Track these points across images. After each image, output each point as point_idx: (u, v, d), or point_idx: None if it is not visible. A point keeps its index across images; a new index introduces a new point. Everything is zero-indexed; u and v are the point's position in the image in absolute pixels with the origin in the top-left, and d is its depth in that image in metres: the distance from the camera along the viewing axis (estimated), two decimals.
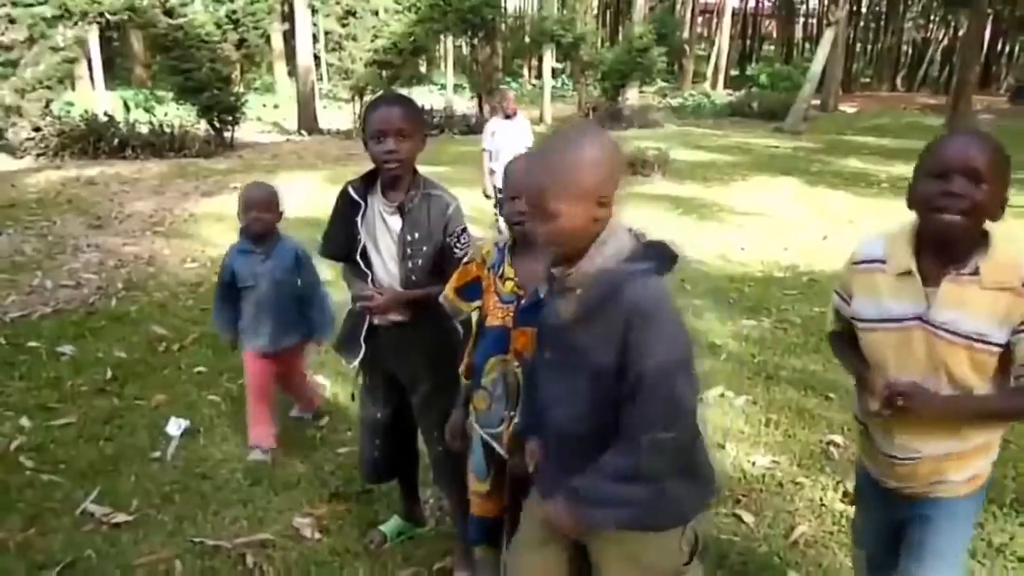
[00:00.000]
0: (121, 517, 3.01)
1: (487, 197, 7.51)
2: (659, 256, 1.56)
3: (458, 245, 2.39)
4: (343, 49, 17.98)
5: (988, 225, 1.64)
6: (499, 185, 6.79)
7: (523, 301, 2.02)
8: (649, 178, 11.53)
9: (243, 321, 3.46)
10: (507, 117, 7.43)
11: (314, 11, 19.21)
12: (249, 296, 3.41)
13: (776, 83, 29.17)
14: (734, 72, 40.41)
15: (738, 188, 11.00)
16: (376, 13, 17.70)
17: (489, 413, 2.11)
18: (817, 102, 26.99)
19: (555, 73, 32.16)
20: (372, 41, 17.59)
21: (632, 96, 24.07)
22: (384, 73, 17.99)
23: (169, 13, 14.64)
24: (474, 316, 2.25)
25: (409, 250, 2.38)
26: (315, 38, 20.29)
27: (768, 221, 8.78)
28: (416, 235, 2.37)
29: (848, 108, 28.24)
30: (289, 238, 3.48)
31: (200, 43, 15.12)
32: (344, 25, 17.80)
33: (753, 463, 3.43)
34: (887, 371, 1.72)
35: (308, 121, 19.39)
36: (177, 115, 16.20)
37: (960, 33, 39.59)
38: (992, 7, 34.88)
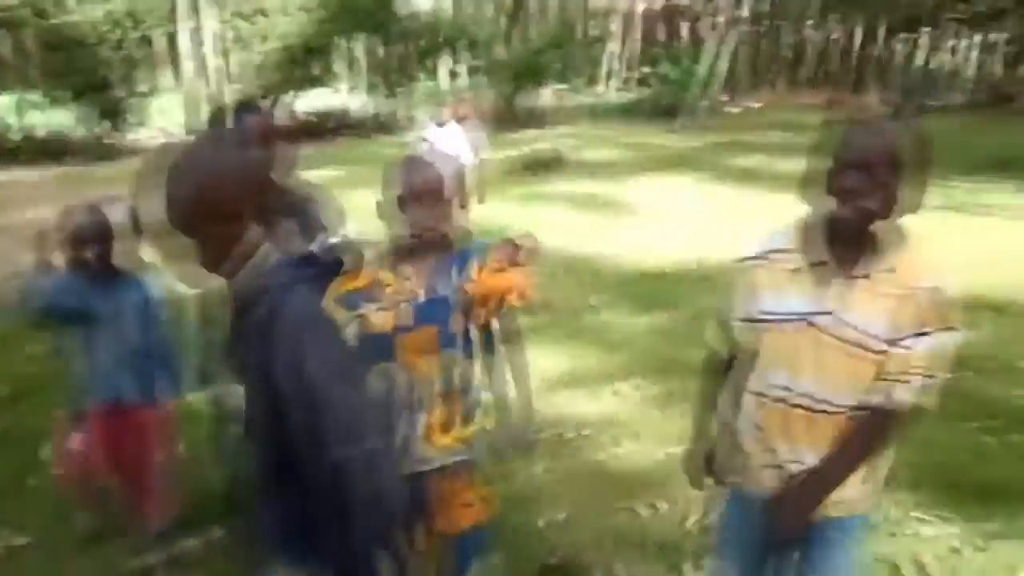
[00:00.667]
0: (21, 540, 2.91)
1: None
2: (317, 265, 1.48)
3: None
4: (250, 49, 17.45)
5: (906, 224, 1.63)
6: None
7: (404, 305, 2.03)
8: (557, 176, 11.69)
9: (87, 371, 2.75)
10: (440, 125, 7.25)
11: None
12: (88, 340, 2.72)
13: (672, 83, 29.81)
14: (644, 70, 41.15)
15: (643, 185, 11.26)
16: (277, 14, 17.24)
17: None
18: (723, 99, 27.92)
19: (459, 74, 32.12)
20: (264, 43, 17.13)
21: (534, 96, 24.28)
22: (292, 72, 17.55)
23: (40, 14, 13.93)
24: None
25: None
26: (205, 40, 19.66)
27: (666, 217, 9.01)
28: None
29: (741, 107, 29.19)
30: (140, 273, 2.79)
31: (84, 44, 14.42)
32: (234, 27, 17.26)
33: (665, 454, 3.51)
34: (793, 372, 1.66)
35: (201, 124, 18.76)
36: (64, 119, 15.41)
37: (840, 35, 41.75)
38: (884, 10, 36.85)
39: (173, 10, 22.58)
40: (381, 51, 20.29)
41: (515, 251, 4.15)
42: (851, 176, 1.55)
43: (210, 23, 18.35)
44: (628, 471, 3.42)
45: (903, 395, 1.64)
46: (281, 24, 17.20)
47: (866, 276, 1.59)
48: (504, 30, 35.76)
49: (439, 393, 2.11)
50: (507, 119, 21.01)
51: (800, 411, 1.67)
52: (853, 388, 1.64)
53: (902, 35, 43.46)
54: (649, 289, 6.17)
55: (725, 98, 27.66)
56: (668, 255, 7.23)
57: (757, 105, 29.30)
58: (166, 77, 27.08)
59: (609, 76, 36.83)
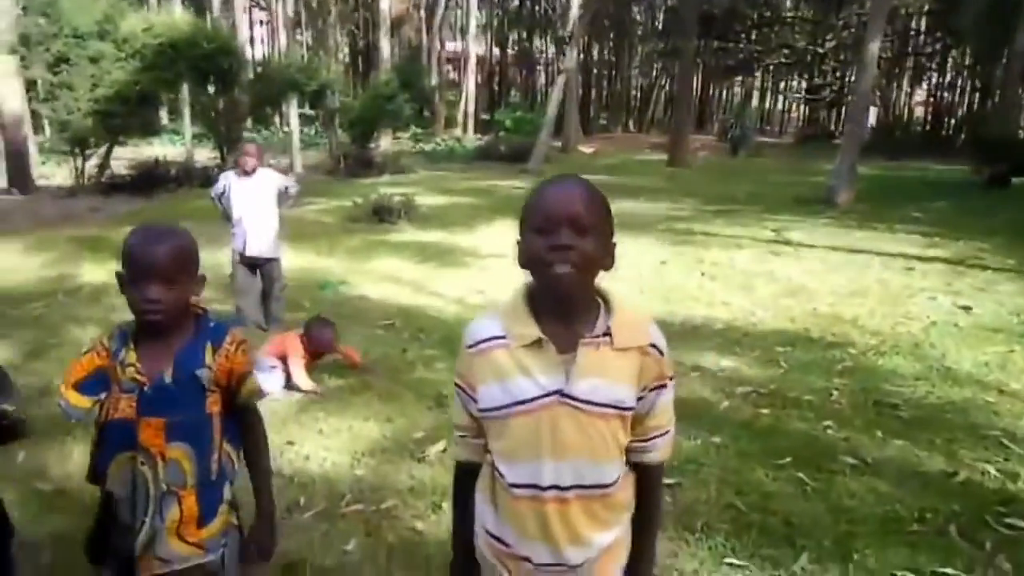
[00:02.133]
0: None
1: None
2: None
3: None
4: (57, 99, 16.29)
5: (606, 286, 1.56)
6: (240, 249, 6.27)
7: (147, 388, 1.83)
8: (396, 225, 11.54)
9: None
10: (246, 173, 6.28)
11: (23, 58, 17.31)
12: None
13: (521, 127, 30.68)
14: (485, 117, 42.10)
15: (481, 231, 11.28)
16: (95, 60, 16.26)
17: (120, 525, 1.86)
18: (559, 144, 28.89)
19: (306, 120, 31.62)
20: (92, 91, 16.12)
21: (384, 143, 24.21)
22: (108, 124, 16.52)
23: None
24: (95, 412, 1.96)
25: None
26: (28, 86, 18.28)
27: (508, 263, 9.03)
28: None
29: (586, 149, 30.42)
30: None
31: None
32: (56, 73, 16.17)
33: None
34: (541, 459, 1.50)
35: (20, 178, 17.34)
36: None
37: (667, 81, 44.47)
38: (701, 59, 39.59)
39: None
40: (217, 101, 19.49)
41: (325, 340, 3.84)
42: (553, 236, 1.44)
43: (28, 69, 17.06)
44: (446, 540, 3.21)
45: (663, 451, 1.63)
46: (109, 71, 16.16)
47: (587, 344, 1.48)
48: (347, 76, 35.67)
49: (189, 484, 1.88)
50: (357, 165, 20.76)
51: (552, 501, 1.52)
52: (606, 460, 1.53)
53: (737, 78, 47.17)
54: None
55: (558, 143, 28.60)
56: (504, 300, 7.15)
57: (590, 150, 30.53)
58: None
59: (466, 120, 37.49)
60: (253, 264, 6.31)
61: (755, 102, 48.32)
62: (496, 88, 54.25)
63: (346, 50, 47.03)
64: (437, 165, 24.05)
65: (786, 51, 37.79)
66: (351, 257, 9.36)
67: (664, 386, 1.58)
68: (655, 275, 8.26)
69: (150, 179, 17.28)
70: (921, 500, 3.47)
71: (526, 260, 1.49)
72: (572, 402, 1.47)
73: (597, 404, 1.48)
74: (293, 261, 8.93)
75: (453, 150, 28.54)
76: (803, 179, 18.19)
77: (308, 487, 3.62)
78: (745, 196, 15.20)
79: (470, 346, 1.57)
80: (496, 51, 54.47)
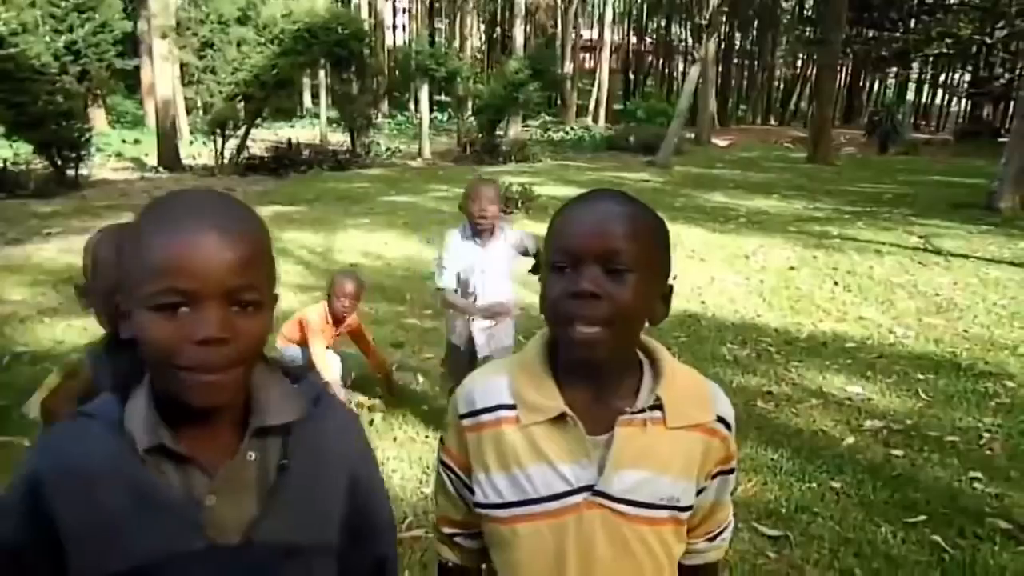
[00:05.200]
0: None
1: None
2: None
3: None
4: (201, 83, 17.10)
5: (651, 340, 1.15)
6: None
7: None
8: (511, 215, 11.28)
9: None
10: (476, 234, 3.62)
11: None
12: None
13: (653, 117, 29.85)
14: (617, 106, 41.36)
15: None
16: (237, 45, 16.95)
17: None
18: (692, 135, 27.86)
19: (438, 107, 32.05)
20: (233, 74, 16.81)
21: (513, 130, 24.11)
22: (246, 107, 17.21)
23: None
24: None
25: None
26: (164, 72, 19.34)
27: None
28: None
29: (721, 141, 29.20)
30: None
31: (35, 75, 14.01)
32: (202, 57, 16.95)
33: None
34: None
35: (169, 157, 18.41)
36: (10, 152, 14.94)
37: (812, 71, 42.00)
38: (851, 48, 37.20)
39: (134, 41, 22.43)
40: (351, 85, 19.95)
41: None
42: (558, 284, 1.03)
43: (177, 54, 18.04)
44: None
45: (722, 549, 1.24)
46: (249, 55, 16.83)
47: (629, 422, 1.07)
48: (480, 64, 35.91)
49: None
50: (483, 152, 20.79)
51: None
52: (651, 571, 1.12)
53: (891, 70, 44.16)
54: None
55: (691, 135, 27.56)
56: None
57: (725, 142, 29.29)
58: (149, 108, 27.01)
59: (597, 108, 37.01)
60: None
61: (910, 95, 45.08)
62: (631, 77, 53.27)
63: (481, 37, 47.40)
64: (564, 154, 23.69)
65: (948, 41, 34.84)
66: None
67: (731, 470, 1.17)
68: (781, 281, 7.57)
69: (284, 160, 17.86)
70: None
71: (544, 308, 1.08)
72: (608, 502, 1.07)
73: (643, 505, 1.07)
74: (401, 250, 8.86)
75: (581, 139, 28.10)
76: (960, 180, 16.55)
77: None
78: (891, 197, 13.95)
79: (464, 415, 1.15)
80: (633, 39, 53.46)
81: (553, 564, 1.08)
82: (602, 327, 1.01)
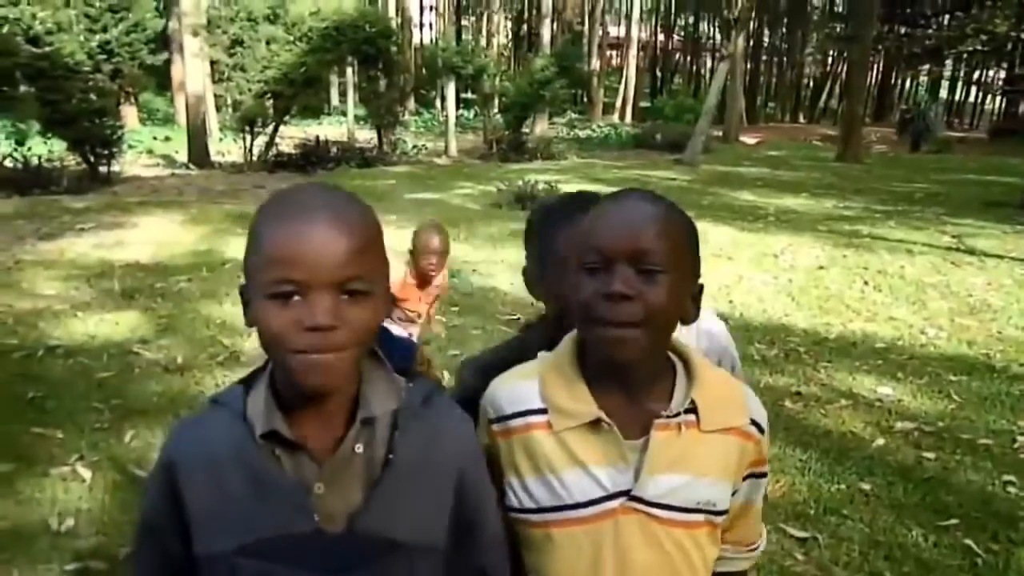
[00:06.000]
0: None
1: None
2: None
3: None
4: (231, 80, 17.26)
5: (681, 342, 1.14)
6: None
7: None
8: None
9: None
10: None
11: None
12: None
13: (680, 115, 29.69)
14: (644, 104, 41.15)
15: None
16: (267, 43, 17.10)
17: None
18: (720, 133, 27.64)
19: (465, 104, 32.10)
20: (262, 72, 16.96)
21: (539, 128, 24.06)
22: (275, 104, 17.34)
23: (34, 41, 13.73)
24: None
25: None
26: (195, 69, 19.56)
27: None
28: None
29: (749, 139, 28.94)
30: None
31: (69, 73, 14.23)
32: (231, 55, 17.12)
33: None
34: None
35: (199, 154, 18.59)
36: (45, 149, 15.20)
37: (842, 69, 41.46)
38: (882, 45, 36.66)
39: (164, 39, 22.70)
40: (378, 83, 20.03)
41: None
42: (590, 284, 1.03)
43: (208, 51, 18.23)
44: None
45: (754, 557, 1.25)
46: (278, 53, 16.98)
47: (664, 427, 1.06)
48: (507, 61, 35.91)
49: None
50: (509, 149, 20.76)
51: None
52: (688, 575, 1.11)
53: (923, 67, 43.45)
54: None
55: (719, 133, 27.31)
56: None
57: (753, 140, 29.02)
58: (179, 105, 27.37)
59: (624, 106, 36.86)
60: None
61: (943, 93, 44.35)
62: (658, 74, 52.98)
63: (508, 35, 47.41)
64: (590, 152, 23.60)
65: (983, 37, 34.20)
66: (487, 244, 9.16)
67: (763, 474, 1.17)
68: (811, 280, 7.49)
69: (311, 157, 17.99)
70: None
71: (575, 309, 1.07)
72: (644, 507, 1.06)
73: (679, 509, 1.07)
74: None
75: (608, 137, 27.99)
76: (994, 179, 16.27)
77: None
78: (923, 196, 13.75)
79: (495, 420, 1.14)
80: (660, 36, 53.15)
81: (590, 569, 1.08)
82: (635, 328, 1.01)
